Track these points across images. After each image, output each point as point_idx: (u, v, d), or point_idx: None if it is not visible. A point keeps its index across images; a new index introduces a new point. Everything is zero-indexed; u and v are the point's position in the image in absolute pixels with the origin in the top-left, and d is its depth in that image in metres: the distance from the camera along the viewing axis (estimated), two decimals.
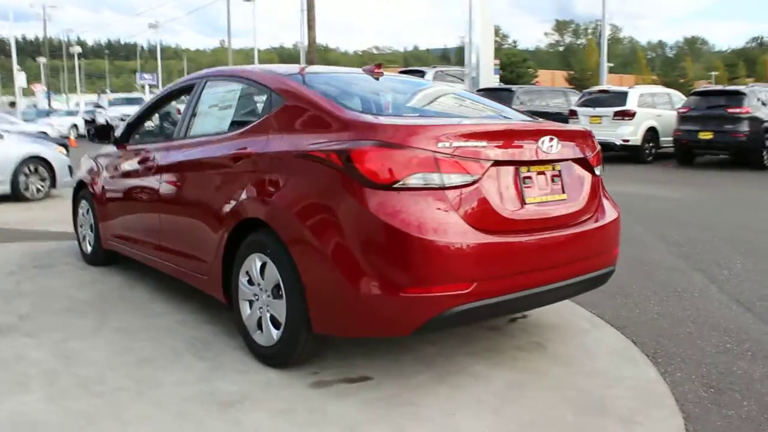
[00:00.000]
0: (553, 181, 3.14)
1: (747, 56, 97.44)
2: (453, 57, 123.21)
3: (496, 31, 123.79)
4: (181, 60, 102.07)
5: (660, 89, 17.41)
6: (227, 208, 3.38)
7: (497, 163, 2.90)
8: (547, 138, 3.07)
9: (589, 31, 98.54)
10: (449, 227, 2.72)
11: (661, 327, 3.89)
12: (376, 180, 2.71)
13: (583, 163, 3.32)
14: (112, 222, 4.86)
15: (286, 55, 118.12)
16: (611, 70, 63.39)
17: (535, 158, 3.04)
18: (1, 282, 4.75)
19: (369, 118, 2.99)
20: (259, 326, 3.23)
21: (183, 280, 3.99)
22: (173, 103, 4.95)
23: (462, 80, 20.11)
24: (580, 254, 3.16)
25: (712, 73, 65.66)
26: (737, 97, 13.58)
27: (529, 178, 3.04)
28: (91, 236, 5.24)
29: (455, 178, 2.78)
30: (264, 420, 2.67)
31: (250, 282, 3.28)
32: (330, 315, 2.89)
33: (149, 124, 4.86)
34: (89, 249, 5.30)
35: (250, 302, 3.31)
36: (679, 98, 16.36)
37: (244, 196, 3.26)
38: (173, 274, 4.08)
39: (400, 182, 2.71)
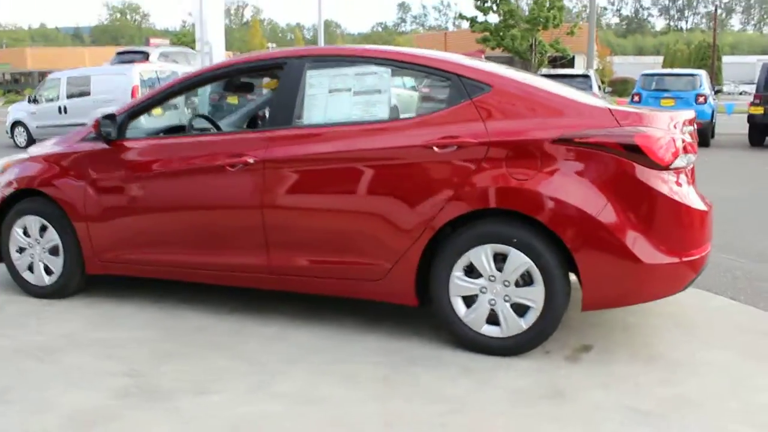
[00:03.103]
0: None
1: (374, 40, 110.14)
2: (87, 36, 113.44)
3: (136, 10, 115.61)
4: None
5: None
6: (429, 200, 3.17)
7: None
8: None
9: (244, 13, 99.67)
10: (699, 200, 3.18)
11: None
12: (660, 163, 2.99)
13: None
14: (120, 238, 3.88)
15: None
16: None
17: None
18: None
19: (618, 107, 3.18)
20: (490, 320, 3.18)
21: (314, 292, 3.54)
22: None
23: (188, 61, 19.05)
24: None
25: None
26: None
27: None
28: (55, 261, 4.08)
29: (692, 158, 3.21)
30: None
31: (472, 276, 3.17)
32: (608, 289, 3.08)
33: (170, 113, 3.99)
34: (48, 279, 4.12)
35: (469, 297, 3.20)
36: None
37: (468, 185, 3.11)
38: (290, 288, 3.56)
39: (673, 164, 3.03)
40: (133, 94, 13.83)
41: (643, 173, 3.00)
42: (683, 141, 3.14)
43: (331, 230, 3.39)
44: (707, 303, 4.07)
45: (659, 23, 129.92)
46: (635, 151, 2.99)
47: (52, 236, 4.06)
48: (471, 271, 3.18)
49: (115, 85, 14.13)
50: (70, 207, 3.96)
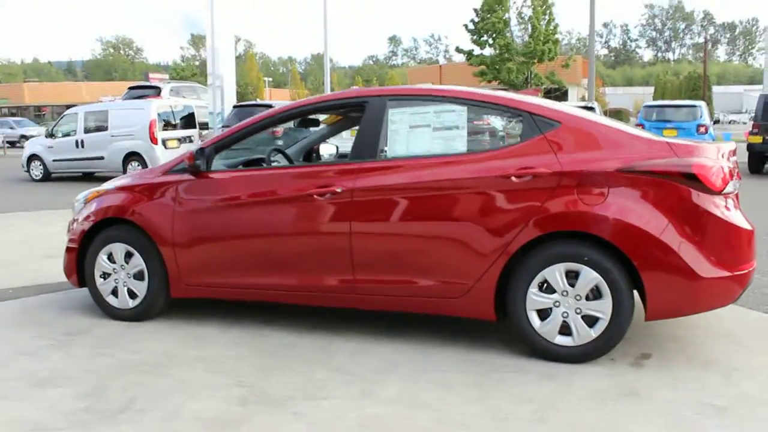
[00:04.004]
0: None
1: (366, 73, 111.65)
2: (80, 70, 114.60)
3: (129, 45, 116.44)
4: None
5: None
6: (508, 224, 3.52)
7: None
8: None
9: (236, 47, 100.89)
10: (746, 221, 3.56)
11: None
12: (714, 189, 3.37)
13: None
14: (206, 263, 4.19)
15: None
16: (270, 85, 66.54)
17: None
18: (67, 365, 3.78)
19: (675, 140, 3.56)
20: (562, 331, 3.51)
21: (396, 309, 3.88)
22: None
23: (197, 95, 19.52)
24: None
25: (354, 87, 73.94)
26: None
27: None
28: (140, 285, 4.38)
29: (737, 184, 3.60)
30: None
31: (546, 290, 3.52)
32: (668, 302, 3.43)
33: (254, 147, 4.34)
34: (132, 302, 4.43)
35: (543, 311, 3.54)
36: None
37: (543, 210, 3.47)
38: (373, 306, 3.89)
39: (724, 190, 3.41)
40: (150, 129, 14.25)
41: (699, 198, 3.38)
42: (729, 169, 3.52)
43: (413, 253, 3.73)
44: (745, 317, 4.42)
45: (647, 54, 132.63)
46: (692, 179, 3.37)
47: (138, 262, 4.37)
48: (545, 287, 3.52)
49: (133, 119, 14.54)
50: (157, 234, 4.27)
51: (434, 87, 4.04)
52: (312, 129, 5.45)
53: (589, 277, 3.44)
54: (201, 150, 4.16)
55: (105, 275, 4.49)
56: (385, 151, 3.88)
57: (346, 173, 3.84)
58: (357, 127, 4.04)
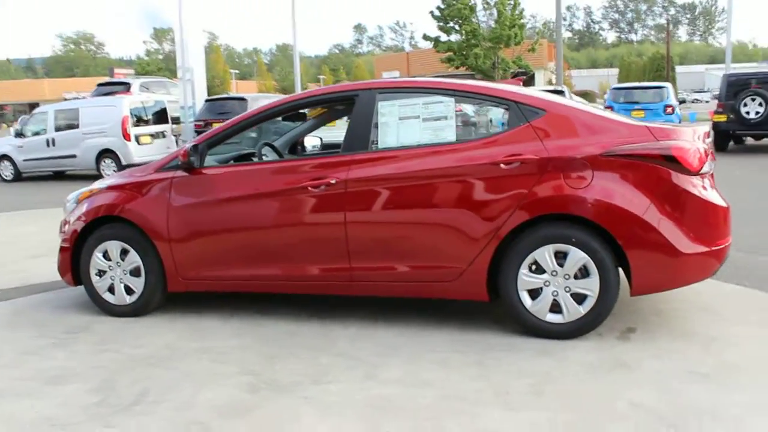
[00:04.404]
0: None
1: (333, 62, 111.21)
2: (40, 67, 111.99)
3: (90, 40, 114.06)
4: None
5: None
6: (498, 209, 3.67)
7: None
8: None
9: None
10: (721, 199, 3.76)
11: None
12: (692, 169, 3.57)
13: None
14: (203, 257, 4.28)
15: None
16: (238, 77, 65.84)
17: None
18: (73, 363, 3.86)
19: (653, 124, 3.74)
20: (552, 309, 3.69)
21: (391, 295, 4.02)
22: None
23: (166, 90, 19.31)
24: None
25: (321, 77, 73.73)
26: None
27: None
28: (137, 281, 4.46)
29: (713, 164, 3.80)
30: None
31: (536, 271, 3.69)
32: (652, 277, 3.62)
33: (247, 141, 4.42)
34: (129, 298, 4.50)
35: (534, 291, 3.71)
36: None
37: (532, 195, 3.63)
38: (369, 292, 4.03)
39: (702, 170, 3.61)
40: (123, 125, 14.13)
41: (678, 178, 3.57)
42: (705, 150, 3.72)
43: (407, 239, 3.87)
44: (720, 289, 4.65)
45: (610, 36, 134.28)
46: (671, 161, 3.55)
47: (134, 258, 4.44)
48: (535, 268, 3.69)
49: (105, 116, 14.41)
50: (152, 230, 4.34)
51: (422, 79, 4.17)
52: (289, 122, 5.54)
53: (577, 257, 3.61)
54: (194, 146, 4.23)
55: (101, 273, 4.55)
56: (376, 143, 4.00)
57: (339, 165, 3.96)
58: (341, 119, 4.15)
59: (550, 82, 37.19)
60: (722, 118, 14.33)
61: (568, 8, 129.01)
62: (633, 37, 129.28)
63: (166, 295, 4.52)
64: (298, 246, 4.07)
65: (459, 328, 3.97)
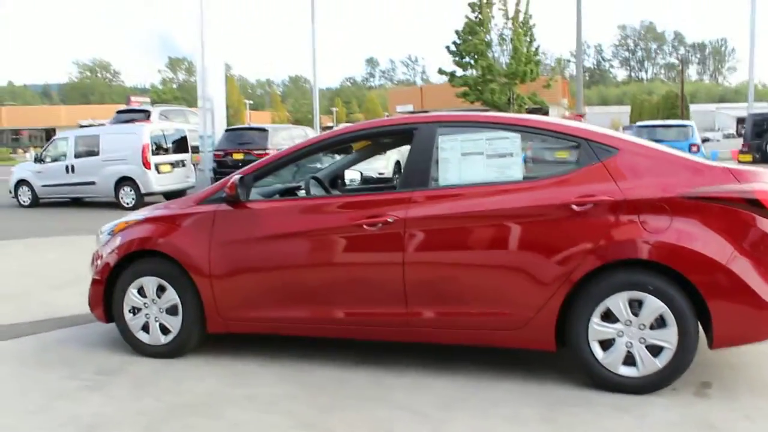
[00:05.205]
0: None
1: (345, 95, 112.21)
2: (56, 93, 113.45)
3: (106, 68, 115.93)
4: None
5: None
6: (569, 253, 3.44)
7: None
8: None
9: None
10: None
11: None
12: None
13: None
14: (248, 297, 4.04)
15: None
16: (251, 108, 66.37)
17: None
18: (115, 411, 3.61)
19: (733, 166, 3.53)
20: (625, 362, 3.43)
21: (449, 342, 3.79)
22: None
23: (185, 118, 19.34)
24: None
25: (333, 109, 74.10)
26: None
27: None
28: (173, 320, 4.22)
29: None
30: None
31: (609, 320, 3.44)
32: (734, 329, 3.37)
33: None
34: (164, 338, 4.26)
35: (605, 341, 3.46)
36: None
37: (605, 238, 3.40)
38: (426, 339, 3.79)
39: None
40: (143, 153, 14.04)
41: (763, 223, 3.34)
42: None
43: (470, 284, 3.63)
44: None
45: (620, 74, 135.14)
46: (756, 204, 3.32)
47: (171, 296, 4.20)
48: (608, 317, 3.44)
49: (125, 144, 14.31)
50: (193, 266, 4.11)
51: (484, 114, 3.97)
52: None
53: (654, 305, 3.37)
54: (241, 179, 4.03)
55: (135, 310, 4.31)
56: (437, 179, 3.79)
57: (397, 202, 3.74)
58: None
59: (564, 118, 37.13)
60: (747, 157, 14.16)
61: None
62: (643, 75, 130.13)
63: (204, 337, 4.27)
64: (350, 288, 3.84)
65: (522, 379, 3.70)
